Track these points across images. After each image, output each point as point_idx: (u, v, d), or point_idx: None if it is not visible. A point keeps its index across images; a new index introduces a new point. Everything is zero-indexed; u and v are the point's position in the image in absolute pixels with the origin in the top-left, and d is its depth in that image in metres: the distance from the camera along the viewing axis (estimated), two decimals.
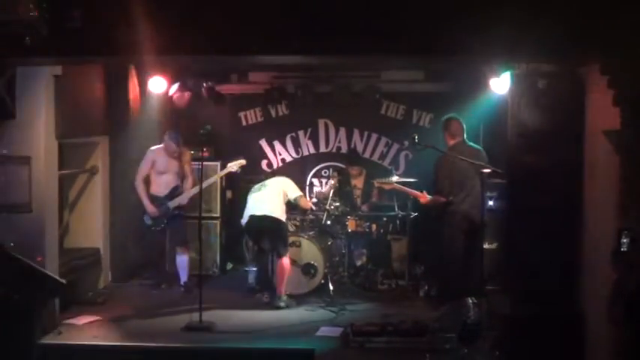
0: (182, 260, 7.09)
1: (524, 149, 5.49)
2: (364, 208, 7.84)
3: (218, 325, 5.83)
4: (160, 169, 6.97)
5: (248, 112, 8.96)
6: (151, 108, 7.90)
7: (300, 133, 8.92)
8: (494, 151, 6.33)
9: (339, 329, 5.80)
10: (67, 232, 7.17)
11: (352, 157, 8.41)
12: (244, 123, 8.98)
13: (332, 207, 7.38)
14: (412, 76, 8.48)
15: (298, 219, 7.65)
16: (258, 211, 6.71)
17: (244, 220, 6.86)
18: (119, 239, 7.39)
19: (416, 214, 7.38)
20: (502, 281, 6.43)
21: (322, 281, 6.97)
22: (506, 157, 5.69)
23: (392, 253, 7.78)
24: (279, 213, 6.74)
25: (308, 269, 6.95)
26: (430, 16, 4.51)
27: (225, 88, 8.70)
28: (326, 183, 8.67)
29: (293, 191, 6.91)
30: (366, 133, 8.85)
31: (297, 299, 6.76)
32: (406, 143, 8.65)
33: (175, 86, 8.13)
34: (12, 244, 5.22)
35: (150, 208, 6.90)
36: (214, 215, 8.05)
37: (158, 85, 7.74)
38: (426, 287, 7.04)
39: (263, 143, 8.94)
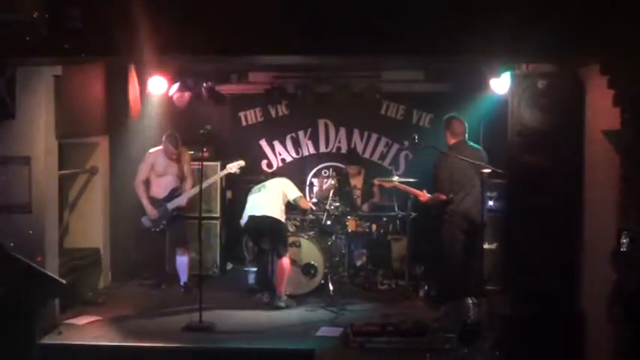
0: (182, 260, 7.09)
1: (524, 149, 5.49)
2: (365, 207, 7.84)
3: (218, 326, 5.82)
4: (159, 172, 6.97)
5: (248, 112, 8.96)
6: (151, 108, 7.89)
7: (300, 133, 8.92)
8: (494, 151, 6.33)
9: (339, 329, 5.80)
10: (67, 232, 7.17)
11: (351, 157, 8.41)
12: (244, 123, 8.98)
13: (332, 207, 7.38)
14: (412, 76, 8.48)
15: (298, 219, 7.66)
16: (258, 212, 6.72)
17: (244, 221, 6.87)
18: (119, 239, 7.40)
19: (416, 214, 7.38)
20: (502, 281, 6.44)
21: (322, 281, 6.97)
22: (506, 157, 5.69)
23: (392, 253, 7.78)
24: (279, 213, 6.74)
25: (308, 269, 6.95)
26: (430, 16, 4.51)
27: (225, 88, 8.70)
28: (325, 182, 8.66)
29: (292, 192, 6.92)
30: (366, 133, 8.84)
31: (297, 299, 6.76)
32: (406, 143, 8.66)
33: (175, 86, 8.12)
34: (12, 244, 5.22)
35: (149, 210, 6.89)
36: (214, 215, 8.05)
37: (158, 85, 7.73)
38: (426, 287, 7.03)
39: (263, 143, 8.94)
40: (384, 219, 7.82)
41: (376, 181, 7.29)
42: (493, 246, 6.83)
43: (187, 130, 7.60)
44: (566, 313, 5.20)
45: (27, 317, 4.84)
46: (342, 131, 8.88)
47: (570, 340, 5.04)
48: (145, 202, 6.90)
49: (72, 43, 4.59)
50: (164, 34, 4.54)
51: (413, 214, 7.35)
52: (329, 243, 7.47)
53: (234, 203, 8.21)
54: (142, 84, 7.72)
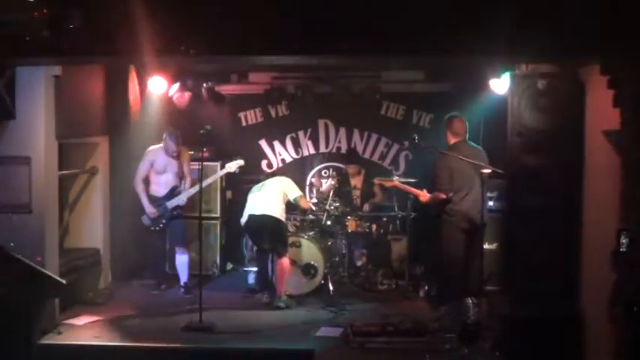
0: (182, 260, 7.09)
1: (524, 149, 5.50)
2: (366, 207, 7.83)
3: (218, 326, 5.82)
4: (158, 169, 6.97)
5: (248, 112, 8.96)
6: (151, 108, 7.89)
7: (300, 133, 8.91)
8: (494, 151, 6.33)
9: (339, 329, 5.80)
10: (67, 232, 7.16)
11: (351, 157, 8.41)
12: (244, 123, 8.98)
13: (332, 207, 7.38)
14: (412, 76, 8.48)
15: (298, 219, 7.66)
16: (258, 211, 6.71)
17: (244, 220, 6.86)
18: (119, 239, 7.39)
19: (416, 214, 7.38)
20: (502, 281, 6.45)
21: (322, 281, 6.97)
22: (506, 157, 5.69)
23: (392, 253, 7.78)
24: (279, 213, 6.74)
25: (308, 269, 6.95)
26: (430, 16, 4.51)
27: (225, 88, 8.71)
28: (325, 183, 8.66)
29: (293, 191, 6.91)
30: (366, 134, 8.84)
31: (297, 299, 6.76)
32: (406, 143, 8.66)
33: (175, 86, 8.13)
34: (12, 244, 5.22)
35: (149, 208, 6.89)
36: (214, 215, 8.05)
37: (158, 85, 7.73)
38: (426, 287, 7.04)
39: (263, 143, 8.94)
40: (384, 219, 7.83)
41: (376, 181, 7.28)
42: (493, 246, 6.83)
43: (187, 130, 7.58)
44: (566, 313, 5.20)
45: (27, 317, 4.85)
46: (342, 131, 8.88)
47: (570, 340, 5.04)
48: (144, 200, 6.90)
49: (72, 43, 4.59)
50: (164, 34, 4.54)
51: (413, 214, 7.35)
52: (329, 243, 7.47)
53: (234, 203, 8.21)
54: (142, 84, 7.72)
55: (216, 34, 4.59)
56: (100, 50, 4.73)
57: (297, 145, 8.93)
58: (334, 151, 8.90)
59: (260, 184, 7.03)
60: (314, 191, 8.29)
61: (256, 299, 6.83)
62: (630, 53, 4.30)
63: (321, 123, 8.89)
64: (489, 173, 5.72)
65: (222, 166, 7.36)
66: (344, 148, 8.85)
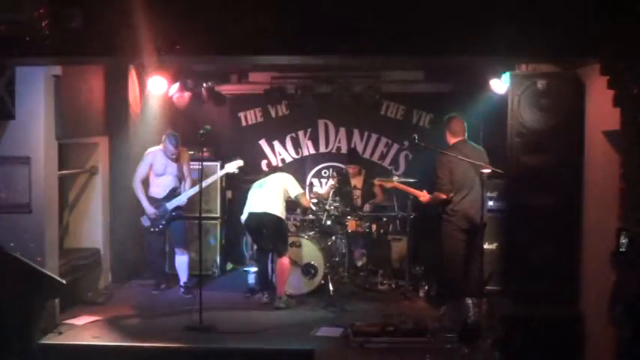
0: (182, 261, 7.09)
1: (524, 149, 5.50)
2: (366, 207, 7.82)
3: (218, 326, 5.82)
4: (158, 171, 6.96)
5: (248, 112, 8.96)
6: (151, 108, 7.89)
7: (300, 133, 8.92)
8: (494, 151, 6.33)
9: (339, 329, 5.80)
10: (67, 232, 7.16)
11: (351, 157, 8.41)
12: (244, 123, 8.99)
13: (332, 207, 7.38)
14: (412, 77, 8.49)
15: (298, 219, 7.66)
16: (258, 209, 6.70)
17: (244, 217, 6.85)
18: (119, 239, 7.39)
19: (416, 214, 7.38)
20: (502, 281, 6.44)
21: (322, 281, 6.97)
22: (506, 157, 5.69)
23: (392, 253, 7.78)
24: (280, 211, 6.71)
25: (308, 269, 6.95)
26: (430, 16, 4.51)
27: (225, 88, 8.71)
28: (326, 183, 8.67)
29: (294, 188, 6.89)
30: (366, 134, 8.85)
31: (297, 299, 6.76)
32: (406, 143, 8.66)
33: (175, 86, 8.13)
34: (12, 244, 5.22)
35: (148, 209, 6.89)
36: (214, 215, 8.05)
37: (158, 85, 7.73)
38: (426, 287, 7.04)
39: (263, 143, 8.94)
40: (384, 219, 7.83)
41: (376, 182, 7.28)
42: (493, 246, 6.83)
43: (187, 130, 7.60)
44: (566, 313, 5.20)
45: (27, 317, 4.85)
46: (342, 131, 8.89)
47: (570, 340, 5.04)
48: (144, 202, 6.89)
49: (72, 43, 4.60)
50: (164, 34, 4.54)
51: (413, 214, 7.35)
52: (329, 243, 7.47)
53: (234, 203, 8.21)
54: (142, 84, 7.72)
55: (217, 34, 4.59)
56: (100, 50, 4.72)
57: (297, 145, 8.93)
58: (334, 151, 8.91)
59: (261, 180, 7.00)
60: (314, 191, 8.30)
61: (256, 299, 6.83)
62: (630, 53, 4.30)
63: (321, 123, 8.90)
64: (489, 173, 5.73)
65: (222, 166, 7.37)
66: (344, 148, 8.86)
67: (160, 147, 6.94)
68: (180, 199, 6.99)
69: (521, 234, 5.49)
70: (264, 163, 8.86)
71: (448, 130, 6.34)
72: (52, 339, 5.47)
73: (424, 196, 6.39)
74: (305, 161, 8.93)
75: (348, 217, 7.48)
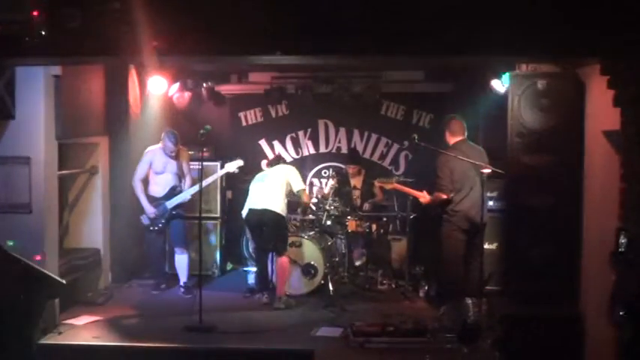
0: (181, 260, 7.09)
1: (524, 149, 5.50)
2: (366, 206, 7.81)
3: (218, 326, 5.81)
4: (157, 169, 6.96)
5: (248, 112, 8.96)
6: (151, 108, 7.89)
7: (300, 133, 8.92)
8: (494, 151, 6.33)
9: (339, 329, 5.79)
10: (67, 232, 7.16)
11: (351, 157, 8.41)
12: (244, 123, 8.99)
13: (332, 207, 7.38)
14: (412, 76, 8.48)
15: (298, 219, 7.66)
16: (258, 205, 6.66)
17: (244, 213, 6.82)
18: (119, 239, 7.38)
19: (416, 214, 7.38)
20: (502, 281, 6.44)
21: (322, 281, 6.97)
22: (506, 157, 5.69)
23: (392, 253, 7.78)
24: (280, 208, 6.67)
25: (308, 269, 6.95)
26: (430, 16, 4.51)
27: (225, 88, 8.72)
28: (325, 184, 8.67)
29: (297, 183, 6.85)
30: (366, 134, 8.85)
31: (297, 299, 6.75)
32: (406, 143, 8.66)
33: (175, 86, 8.13)
34: (12, 244, 5.22)
35: (148, 208, 6.89)
36: (214, 215, 8.05)
37: (158, 85, 7.73)
38: (426, 287, 7.03)
39: (263, 143, 8.94)
40: (384, 219, 7.83)
41: (377, 183, 7.28)
42: (493, 246, 6.82)
43: (187, 130, 7.60)
44: (566, 313, 5.21)
45: (27, 317, 4.85)
46: (342, 131, 8.89)
47: (570, 340, 5.05)
48: (143, 200, 6.89)
49: (72, 43, 4.60)
50: (164, 34, 4.54)
51: (413, 215, 7.35)
52: (329, 243, 7.47)
53: (234, 203, 8.21)
54: (142, 84, 7.72)
55: (217, 34, 4.59)
56: (100, 50, 4.72)
57: (297, 145, 8.93)
58: (334, 151, 8.91)
59: (263, 172, 6.94)
60: (314, 191, 8.30)
61: (256, 299, 6.83)
62: (630, 53, 4.30)
63: (321, 123, 8.90)
64: (489, 173, 5.73)
65: (222, 166, 7.37)
66: (344, 148, 8.86)
67: (160, 145, 6.94)
68: (183, 197, 6.98)
69: (521, 234, 5.50)
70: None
71: (448, 130, 6.34)
72: (52, 339, 5.47)
73: (425, 197, 6.38)
74: (305, 161, 8.93)
75: (348, 217, 7.48)
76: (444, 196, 6.10)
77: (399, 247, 7.74)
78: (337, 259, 7.63)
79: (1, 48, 4.61)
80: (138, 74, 7.60)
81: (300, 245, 6.96)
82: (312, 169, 8.92)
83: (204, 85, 8.25)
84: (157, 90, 7.79)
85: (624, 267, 4.30)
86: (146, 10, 4.48)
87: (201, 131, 6.12)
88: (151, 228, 6.97)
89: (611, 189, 4.63)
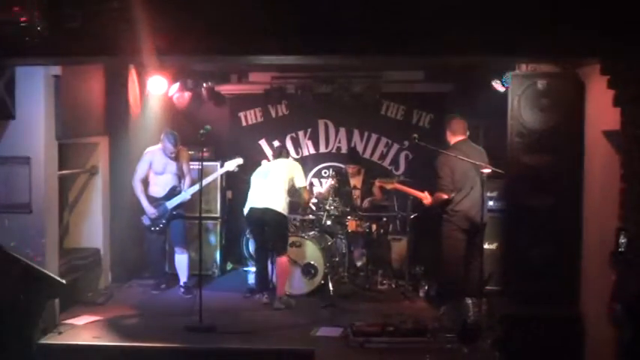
0: (181, 260, 7.09)
1: (524, 149, 5.50)
2: (365, 203, 7.79)
3: (218, 326, 5.81)
4: (157, 170, 6.96)
5: (248, 112, 8.96)
6: (151, 108, 7.88)
7: (300, 133, 8.91)
8: (494, 151, 6.33)
9: (339, 329, 5.80)
10: (67, 232, 7.16)
11: (351, 157, 8.41)
12: (244, 123, 8.98)
13: (332, 207, 7.38)
14: (412, 76, 8.48)
15: (298, 219, 7.66)
16: (260, 204, 6.63)
17: (246, 210, 6.78)
18: (119, 239, 7.39)
19: (416, 214, 7.38)
20: (502, 281, 6.45)
21: (322, 281, 6.97)
22: (506, 157, 5.69)
23: (392, 253, 7.78)
24: (282, 207, 6.63)
25: (308, 269, 6.95)
26: (430, 16, 4.51)
27: (225, 88, 8.71)
28: (326, 183, 8.66)
29: (300, 179, 6.82)
30: (366, 134, 8.84)
31: (297, 299, 6.75)
32: (406, 143, 8.66)
33: (175, 86, 8.13)
34: (12, 244, 5.22)
35: (148, 208, 6.89)
36: (214, 215, 8.05)
37: (158, 85, 7.72)
38: (426, 287, 7.04)
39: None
40: (384, 219, 7.82)
41: (377, 183, 7.27)
42: (493, 246, 6.83)
43: (187, 130, 7.60)
44: (566, 313, 5.21)
45: (27, 317, 4.85)
46: (342, 131, 8.88)
47: (570, 340, 5.05)
48: (143, 201, 6.89)
49: (72, 43, 4.60)
50: (164, 34, 4.54)
51: (413, 214, 7.35)
52: (329, 243, 7.47)
53: (234, 203, 8.21)
54: (142, 84, 7.72)
55: (217, 34, 4.59)
56: (100, 50, 4.73)
57: (297, 145, 8.92)
58: (334, 151, 8.91)
59: (266, 167, 6.89)
60: (314, 191, 8.30)
61: (256, 299, 6.82)
62: (630, 53, 4.31)
63: (321, 123, 8.90)
64: (489, 173, 5.73)
65: (222, 166, 7.36)
66: (344, 148, 8.86)
67: (159, 146, 6.94)
68: (184, 197, 6.99)
69: (521, 234, 5.50)
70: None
71: (449, 129, 6.34)
72: (52, 339, 5.47)
73: (426, 198, 6.38)
74: (305, 161, 8.92)
75: (348, 217, 7.48)
76: (445, 196, 6.10)
77: (399, 247, 7.74)
78: (337, 259, 7.63)
79: (1, 48, 4.61)
80: (138, 74, 7.60)
81: (300, 245, 6.96)
82: (313, 169, 8.91)
83: (204, 85, 8.25)
84: (156, 90, 7.78)
85: (624, 267, 4.30)
86: (146, 9, 4.48)
87: (201, 131, 6.12)
88: (152, 228, 6.97)
89: (611, 189, 4.63)
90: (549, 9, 4.42)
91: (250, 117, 8.96)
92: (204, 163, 6.60)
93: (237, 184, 8.23)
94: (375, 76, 8.49)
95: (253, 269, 7.24)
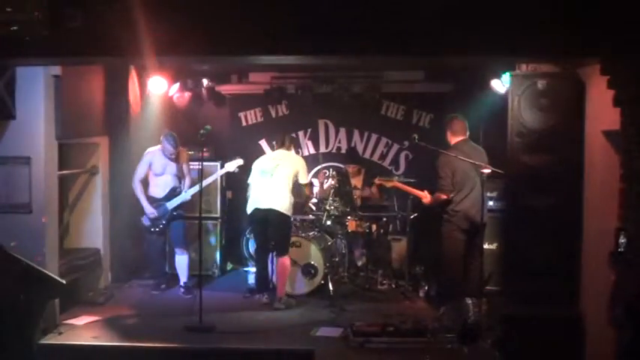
0: (181, 261, 7.09)
1: (524, 149, 5.50)
2: (359, 200, 7.76)
3: (218, 326, 5.81)
4: (157, 171, 6.95)
5: (248, 112, 8.96)
6: (151, 108, 7.89)
7: (300, 133, 8.91)
8: (494, 151, 6.33)
9: (339, 329, 5.79)
10: (67, 232, 7.16)
11: (351, 157, 8.40)
12: (244, 123, 8.98)
13: (332, 207, 7.38)
14: (412, 76, 8.48)
15: (298, 219, 7.65)
16: (264, 204, 6.57)
17: (249, 210, 6.73)
18: (119, 239, 7.39)
19: (416, 214, 7.38)
20: (502, 281, 6.44)
21: (322, 281, 6.97)
22: (506, 157, 5.69)
23: (392, 253, 7.78)
24: (286, 207, 6.58)
25: (308, 269, 6.94)
26: (430, 16, 4.51)
27: (225, 88, 8.71)
28: (326, 183, 8.66)
29: (304, 176, 6.77)
30: (366, 134, 8.85)
31: (297, 299, 6.75)
32: (406, 143, 8.66)
33: (175, 86, 8.13)
34: (12, 244, 5.22)
35: (148, 209, 6.89)
36: (214, 215, 8.05)
37: (158, 85, 7.73)
38: (426, 287, 7.04)
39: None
40: (384, 219, 7.83)
41: (377, 181, 7.26)
42: (493, 246, 6.83)
43: (187, 130, 7.60)
44: (566, 313, 5.20)
45: (27, 317, 4.85)
46: (342, 131, 8.88)
47: (570, 340, 5.05)
48: (143, 201, 6.89)
49: (72, 43, 4.60)
50: (164, 34, 4.54)
51: (413, 214, 7.35)
52: (329, 243, 7.47)
53: (234, 203, 8.21)
54: (142, 84, 7.72)
55: (217, 34, 4.59)
56: (100, 50, 4.73)
57: (297, 145, 8.92)
58: (334, 151, 8.91)
59: (274, 163, 6.70)
60: (314, 191, 8.30)
61: (256, 299, 6.82)
62: (630, 53, 4.31)
63: (321, 123, 8.90)
64: (489, 173, 5.73)
65: (222, 166, 7.36)
66: (344, 148, 8.86)
67: (159, 147, 6.94)
68: (184, 197, 6.99)
69: (521, 234, 5.49)
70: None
71: (449, 129, 6.34)
72: (52, 339, 5.46)
73: (426, 197, 6.38)
74: (305, 161, 8.90)
75: (348, 217, 7.48)
76: (444, 197, 6.10)
77: (399, 247, 7.74)
78: (337, 259, 7.63)
79: (1, 48, 4.61)
80: (138, 74, 7.61)
81: (300, 245, 6.96)
82: (312, 169, 8.91)
83: (204, 85, 8.25)
84: (157, 90, 7.79)
85: (624, 267, 4.30)
86: (146, 10, 4.48)
87: (202, 131, 6.12)
88: (152, 229, 6.97)
89: (611, 189, 4.63)
90: (549, 9, 4.42)
91: (250, 117, 8.96)
92: (204, 164, 6.60)
93: (237, 185, 8.23)
94: (375, 76, 8.50)
95: (253, 269, 7.24)
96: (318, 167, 8.89)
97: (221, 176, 7.68)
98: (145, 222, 6.96)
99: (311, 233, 7.26)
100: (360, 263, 7.79)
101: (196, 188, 6.83)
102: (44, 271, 5.11)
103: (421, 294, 7.04)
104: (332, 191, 7.49)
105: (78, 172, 7.06)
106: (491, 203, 6.61)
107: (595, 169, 5.12)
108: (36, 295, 4.89)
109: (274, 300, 6.60)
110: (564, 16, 4.41)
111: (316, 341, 5.54)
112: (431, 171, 6.32)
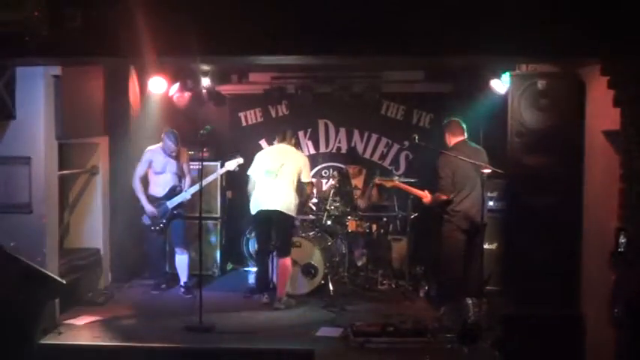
0: (182, 260, 7.09)
1: (524, 149, 5.50)
2: (361, 203, 7.77)
3: (218, 326, 5.81)
4: (157, 169, 6.95)
5: (248, 112, 8.96)
6: (151, 108, 7.88)
7: (300, 133, 8.90)
8: (494, 151, 6.34)
9: (339, 329, 5.79)
10: (67, 232, 7.16)
11: (351, 157, 8.39)
12: (244, 123, 8.98)
13: (332, 207, 7.38)
14: (412, 76, 8.48)
15: (299, 219, 7.64)
16: (268, 206, 6.54)
17: (253, 211, 6.69)
18: (119, 239, 7.38)
19: (416, 214, 7.38)
20: (502, 281, 6.45)
21: (322, 281, 6.97)
22: (506, 157, 5.70)
23: (392, 253, 7.77)
24: (291, 208, 6.56)
25: (308, 269, 6.94)
26: (430, 16, 4.51)
27: (225, 88, 8.71)
28: (326, 183, 8.66)
29: (307, 175, 6.77)
30: (366, 134, 8.84)
31: (297, 299, 6.75)
32: (406, 143, 8.66)
33: (175, 86, 8.13)
34: (12, 244, 5.22)
35: (148, 208, 6.89)
36: (214, 215, 8.05)
37: (158, 85, 7.73)
38: (426, 287, 7.04)
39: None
40: (385, 219, 7.82)
41: (377, 181, 7.26)
42: (493, 246, 6.83)
43: (187, 130, 7.59)
44: (566, 313, 5.21)
45: (27, 317, 4.85)
46: (342, 131, 8.88)
47: (570, 340, 5.05)
48: (143, 200, 6.89)
49: (72, 43, 4.60)
50: (164, 34, 4.55)
51: (413, 214, 7.35)
52: (329, 243, 7.46)
53: (234, 203, 8.21)
54: (142, 84, 7.72)
55: (217, 34, 4.60)
56: (100, 50, 4.73)
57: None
58: (334, 151, 8.91)
59: (278, 162, 6.62)
60: (314, 191, 8.29)
61: (256, 299, 6.81)
62: (630, 53, 4.31)
63: (321, 123, 8.89)
64: (489, 173, 5.73)
65: (222, 166, 7.36)
66: (344, 148, 8.86)
67: (159, 145, 6.94)
68: (184, 196, 6.99)
69: (521, 234, 5.50)
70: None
71: (448, 131, 6.34)
72: (52, 339, 5.46)
73: (426, 197, 6.38)
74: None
75: (348, 217, 7.47)
76: (444, 197, 6.10)
77: (399, 247, 7.74)
78: (337, 259, 7.63)
79: (1, 48, 4.62)
80: (138, 74, 7.60)
81: (300, 245, 6.96)
82: (313, 169, 8.90)
83: (204, 85, 8.26)
84: (157, 90, 7.79)
85: (624, 267, 4.30)
86: (146, 10, 4.49)
87: (202, 131, 6.12)
88: (152, 228, 6.97)
89: (611, 189, 4.63)
90: (549, 9, 4.43)
91: (250, 117, 8.96)
92: (204, 163, 6.60)
93: (237, 184, 8.23)
94: (375, 76, 8.49)
95: (253, 269, 7.24)
96: (319, 167, 8.90)
97: (221, 176, 7.68)
98: (145, 221, 6.96)
99: (311, 233, 7.26)
100: (360, 263, 7.79)
101: (196, 187, 6.80)
102: (44, 271, 5.11)
103: (421, 294, 7.04)
104: (332, 191, 7.49)
105: (78, 172, 7.06)
106: (491, 203, 6.61)
107: (595, 169, 5.12)
108: (36, 295, 4.89)
109: (274, 300, 6.60)
110: (564, 16, 4.41)
111: (316, 341, 5.54)
112: (431, 171, 6.33)
